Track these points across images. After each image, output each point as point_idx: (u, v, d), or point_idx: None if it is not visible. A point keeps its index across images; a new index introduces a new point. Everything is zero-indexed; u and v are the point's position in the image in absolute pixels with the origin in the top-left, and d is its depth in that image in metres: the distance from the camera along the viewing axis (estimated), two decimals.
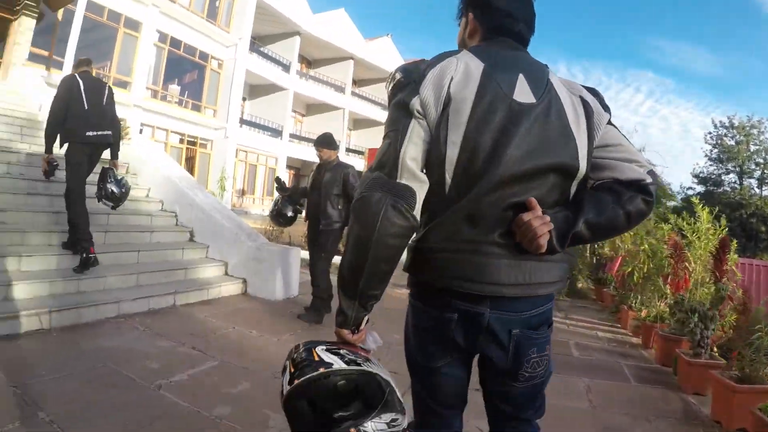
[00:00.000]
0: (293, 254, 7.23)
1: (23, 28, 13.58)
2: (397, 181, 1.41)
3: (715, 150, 39.79)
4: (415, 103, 1.43)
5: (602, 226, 1.53)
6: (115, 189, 5.73)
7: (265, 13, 25.66)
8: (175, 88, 22.55)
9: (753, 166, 38.89)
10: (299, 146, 29.58)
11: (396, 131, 1.45)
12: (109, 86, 5.78)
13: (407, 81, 1.48)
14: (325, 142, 6.03)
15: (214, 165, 23.57)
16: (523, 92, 1.48)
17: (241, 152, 26.31)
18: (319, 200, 5.86)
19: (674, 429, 3.88)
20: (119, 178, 5.86)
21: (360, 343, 1.58)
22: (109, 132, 5.57)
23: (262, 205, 27.43)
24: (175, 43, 21.72)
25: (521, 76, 1.51)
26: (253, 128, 26.87)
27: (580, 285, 11.03)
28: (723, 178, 39.97)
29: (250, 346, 4.81)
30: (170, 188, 8.10)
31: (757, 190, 38.41)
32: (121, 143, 8.69)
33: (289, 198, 6.32)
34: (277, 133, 27.97)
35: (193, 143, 23.30)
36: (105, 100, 5.59)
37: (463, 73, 1.46)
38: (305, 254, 9.74)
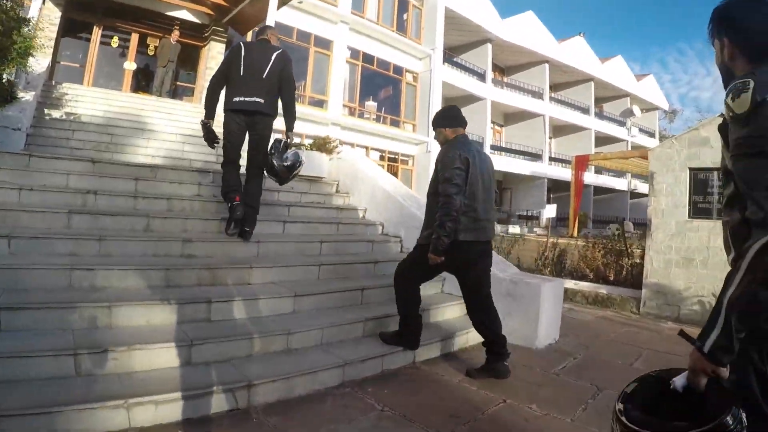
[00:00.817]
0: (557, 287, 5.44)
1: (213, 52, 13.92)
2: None
3: None
4: None
5: None
6: (275, 161, 5.09)
7: (453, 22, 24.50)
8: (371, 105, 21.92)
9: None
10: (500, 158, 27.80)
11: None
12: (280, 52, 5.08)
13: None
14: (436, 118, 4.30)
15: (417, 181, 22.38)
16: None
17: None
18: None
19: None
20: (285, 151, 5.19)
21: None
22: (260, 99, 4.91)
23: None
24: (368, 58, 21.14)
25: None
26: None
27: None
28: None
29: None
30: (391, 208, 6.71)
31: None
32: (328, 158, 7.72)
33: None
34: (477, 145, 26.33)
35: (394, 159, 22.33)
36: (270, 66, 4.95)
37: None
38: (571, 285, 8.42)
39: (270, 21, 10.98)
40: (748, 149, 1.42)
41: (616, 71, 34.94)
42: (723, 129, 1.57)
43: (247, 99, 4.88)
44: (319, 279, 4.93)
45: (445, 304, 5.27)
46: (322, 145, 7.87)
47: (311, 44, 18.95)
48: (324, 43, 19.34)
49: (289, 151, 5.26)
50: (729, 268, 1.48)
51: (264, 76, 4.93)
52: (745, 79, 1.44)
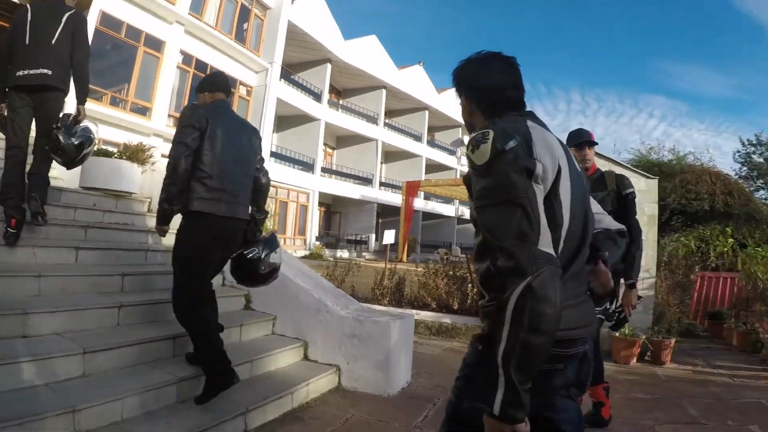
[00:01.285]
0: (407, 324, 4.91)
1: None
2: (543, 249, 1.37)
3: (745, 168, 38.57)
4: (539, 170, 1.43)
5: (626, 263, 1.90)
6: (62, 138, 4.19)
7: (295, 38, 23.88)
8: None
9: None
10: (330, 181, 27.80)
11: (527, 198, 1.40)
12: (72, 12, 4.28)
13: (517, 145, 1.43)
14: (199, 84, 3.79)
15: None
16: (576, 161, 1.67)
17: (271, 188, 23.82)
18: None
19: None
20: (73, 126, 4.29)
21: None
22: (47, 70, 4.06)
23: (293, 245, 25.07)
24: (201, 66, 19.49)
25: (570, 149, 1.73)
26: (283, 162, 24.70)
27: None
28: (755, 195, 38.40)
29: None
30: None
31: None
32: (140, 169, 6.52)
33: None
34: (308, 166, 25.86)
35: None
36: (60, 29, 4.15)
37: (557, 144, 1.56)
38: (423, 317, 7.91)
39: (95, 8, 9.49)
40: (491, 199, 1.43)
41: (451, 102, 36.15)
42: (467, 181, 1.57)
43: (31, 72, 4.01)
44: (119, 325, 3.74)
45: (279, 350, 4.44)
46: (133, 153, 6.50)
47: (141, 43, 17.00)
48: (155, 44, 17.51)
49: (78, 126, 4.34)
50: None
51: (53, 42, 4.11)
52: (485, 131, 1.45)
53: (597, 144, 4.05)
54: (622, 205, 3.91)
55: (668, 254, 10.15)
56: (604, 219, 1.88)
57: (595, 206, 1.82)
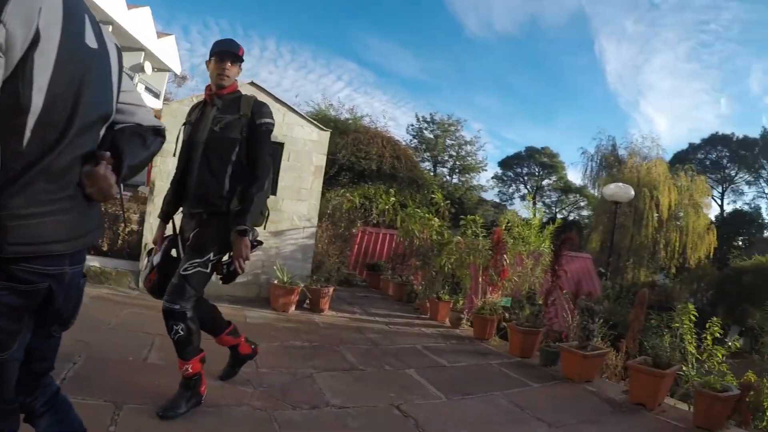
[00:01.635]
0: None
1: None
2: None
3: (415, 140, 43.80)
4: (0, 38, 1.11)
5: (137, 168, 1.55)
6: None
7: None
8: None
9: (446, 158, 43.34)
10: None
11: None
12: None
13: None
14: None
15: None
16: (90, 36, 1.40)
17: None
18: None
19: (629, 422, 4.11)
20: None
21: None
22: None
23: None
24: None
25: (86, 18, 1.40)
26: None
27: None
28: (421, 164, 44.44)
29: None
30: None
31: (449, 177, 42.61)
32: None
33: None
34: None
35: None
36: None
37: (49, 6, 1.22)
38: None
39: None
40: None
41: (140, 22, 32.43)
42: None
43: None
44: None
45: None
46: None
47: None
48: None
49: None
50: None
51: None
52: None
53: (242, 61, 3.49)
54: (253, 135, 3.35)
55: (332, 207, 10.63)
56: (137, 112, 1.67)
57: (131, 97, 1.66)
